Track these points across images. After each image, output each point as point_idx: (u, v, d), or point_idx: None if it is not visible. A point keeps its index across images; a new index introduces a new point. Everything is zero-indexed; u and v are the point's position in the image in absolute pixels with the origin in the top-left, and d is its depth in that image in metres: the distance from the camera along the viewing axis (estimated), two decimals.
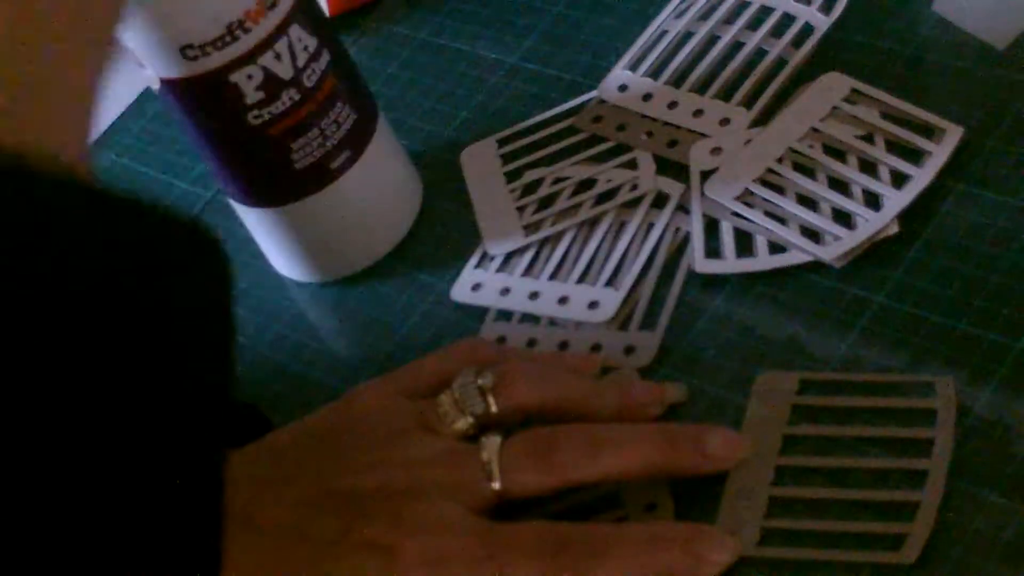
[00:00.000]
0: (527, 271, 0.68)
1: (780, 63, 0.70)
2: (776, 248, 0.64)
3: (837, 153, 0.66)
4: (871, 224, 0.63)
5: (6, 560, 0.38)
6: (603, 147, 0.71)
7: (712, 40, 0.73)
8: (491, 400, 0.59)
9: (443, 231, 0.72)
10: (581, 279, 0.66)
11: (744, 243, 0.65)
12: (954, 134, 0.64)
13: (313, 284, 0.72)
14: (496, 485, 0.57)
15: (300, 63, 0.65)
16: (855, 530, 0.55)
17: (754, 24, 0.72)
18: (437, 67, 0.79)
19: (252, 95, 0.64)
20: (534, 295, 0.67)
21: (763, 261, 0.64)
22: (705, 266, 0.64)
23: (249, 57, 0.63)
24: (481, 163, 0.73)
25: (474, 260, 0.69)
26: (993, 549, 0.53)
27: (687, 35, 0.73)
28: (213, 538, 0.46)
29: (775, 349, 0.61)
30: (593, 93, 0.73)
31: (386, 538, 0.55)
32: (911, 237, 0.62)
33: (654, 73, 0.72)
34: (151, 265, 0.42)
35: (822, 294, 0.62)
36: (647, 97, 0.72)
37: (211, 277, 0.45)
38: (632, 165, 0.69)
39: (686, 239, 0.66)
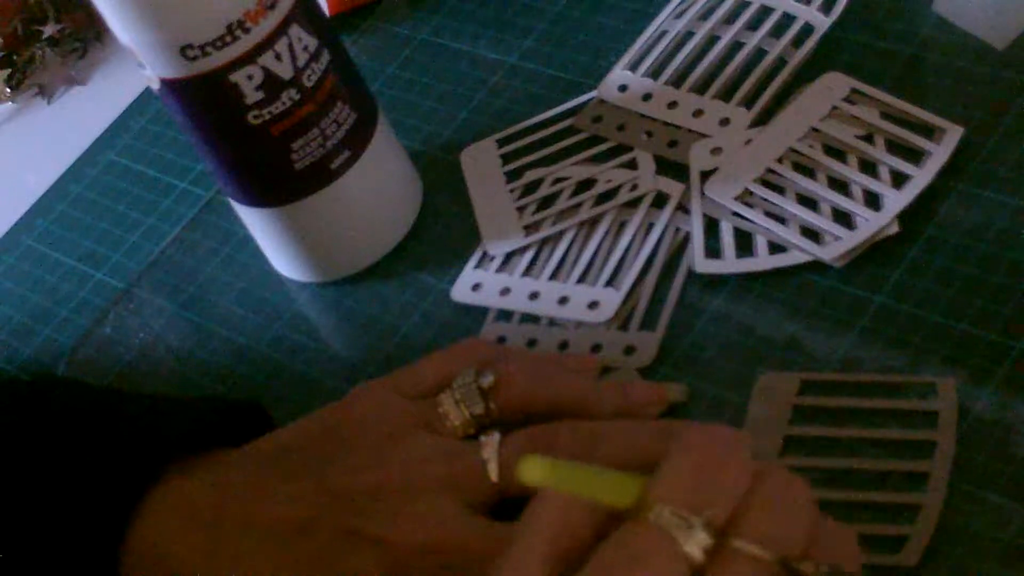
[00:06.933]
0: (527, 271, 0.68)
1: (780, 63, 0.70)
2: (776, 248, 0.64)
3: (837, 153, 0.66)
4: (871, 224, 0.63)
5: None
6: (603, 147, 0.71)
7: (712, 40, 0.73)
8: (491, 400, 0.59)
9: (443, 231, 0.72)
10: (581, 279, 0.66)
11: (744, 243, 0.65)
12: (954, 134, 0.64)
13: (313, 284, 0.72)
14: (494, 479, 0.57)
15: (300, 63, 0.65)
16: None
17: (754, 24, 0.72)
18: (437, 67, 0.79)
19: (252, 95, 0.64)
20: (534, 295, 0.67)
21: (763, 261, 0.64)
22: (705, 266, 0.64)
23: (249, 57, 0.63)
24: (481, 163, 0.73)
25: (474, 260, 0.69)
26: (993, 550, 0.53)
27: (687, 35, 0.73)
28: None
29: (775, 349, 0.61)
30: (593, 93, 0.73)
31: (384, 534, 0.55)
32: (911, 237, 0.62)
33: (654, 73, 0.72)
34: None
35: (822, 294, 0.62)
36: (647, 97, 0.71)
37: None
38: (632, 165, 0.69)
39: (686, 239, 0.66)
